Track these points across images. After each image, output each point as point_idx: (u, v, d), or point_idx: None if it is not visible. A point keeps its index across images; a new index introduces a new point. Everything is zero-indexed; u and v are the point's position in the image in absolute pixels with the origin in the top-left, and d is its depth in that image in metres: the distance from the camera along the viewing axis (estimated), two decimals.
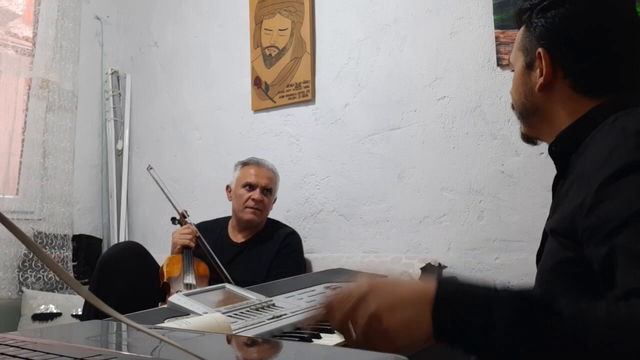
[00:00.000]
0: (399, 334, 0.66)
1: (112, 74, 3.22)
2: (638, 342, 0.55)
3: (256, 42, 2.65)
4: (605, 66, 0.86)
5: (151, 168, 2.26)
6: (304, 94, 2.46)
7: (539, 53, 0.89)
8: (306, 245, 2.34)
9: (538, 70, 0.89)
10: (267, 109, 2.60)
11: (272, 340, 0.88)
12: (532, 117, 0.95)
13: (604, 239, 0.67)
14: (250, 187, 2.15)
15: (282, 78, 2.54)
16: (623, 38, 0.86)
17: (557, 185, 0.91)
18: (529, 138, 1.00)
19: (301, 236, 2.26)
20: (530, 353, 0.59)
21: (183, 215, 2.16)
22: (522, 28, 0.94)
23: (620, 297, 0.61)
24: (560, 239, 0.79)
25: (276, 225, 2.24)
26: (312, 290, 1.44)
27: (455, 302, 0.64)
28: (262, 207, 2.15)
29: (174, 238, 2.07)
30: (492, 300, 0.61)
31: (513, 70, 0.98)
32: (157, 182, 2.22)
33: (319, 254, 2.31)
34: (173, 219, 2.19)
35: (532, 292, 0.65)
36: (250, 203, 2.13)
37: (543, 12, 0.89)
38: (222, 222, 2.30)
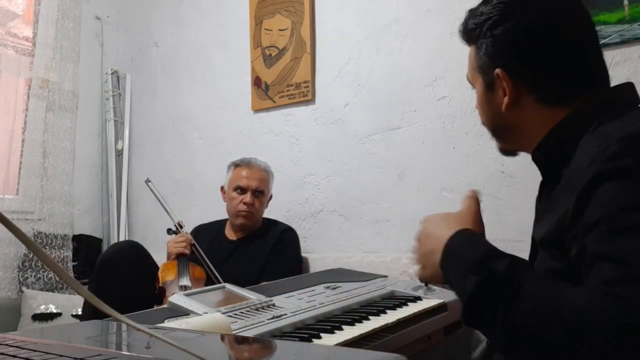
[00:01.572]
0: (422, 260, 0.87)
1: (112, 74, 3.22)
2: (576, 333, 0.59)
3: (256, 42, 2.65)
4: (566, 73, 0.83)
5: (149, 181, 2.26)
6: (304, 94, 2.46)
7: (497, 74, 0.86)
8: (306, 245, 2.34)
9: (500, 90, 0.87)
10: (267, 109, 2.60)
11: (271, 340, 0.88)
12: (507, 135, 0.93)
13: (576, 242, 0.69)
14: (242, 190, 2.14)
15: (282, 78, 2.54)
16: (575, 40, 0.83)
17: (543, 191, 0.90)
18: (508, 151, 0.98)
19: (301, 236, 2.26)
20: (493, 327, 0.67)
21: (180, 226, 2.17)
22: (473, 47, 0.92)
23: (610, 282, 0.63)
24: (549, 250, 0.78)
25: (273, 223, 2.24)
26: (312, 290, 1.45)
27: (451, 259, 0.78)
28: (253, 210, 2.15)
29: (169, 247, 2.07)
30: (473, 266, 0.71)
31: (473, 88, 0.96)
32: (155, 195, 2.23)
33: (319, 254, 2.31)
34: (169, 230, 2.20)
35: (510, 266, 0.69)
36: (242, 207, 2.13)
37: (490, 31, 0.87)
38: (220, 223, 2.31)
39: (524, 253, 1.85)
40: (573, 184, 0.72)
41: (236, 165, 2.22)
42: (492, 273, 0.68)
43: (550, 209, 0.80)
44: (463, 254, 0.75)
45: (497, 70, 0.86)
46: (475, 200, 0.95)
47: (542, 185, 0.91)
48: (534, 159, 0.90)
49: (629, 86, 0.85)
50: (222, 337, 0.69)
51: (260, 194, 2.17)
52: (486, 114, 0.94)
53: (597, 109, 0.80)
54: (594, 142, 0.73)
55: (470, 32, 0.91)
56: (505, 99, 0.86)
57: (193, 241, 2.07)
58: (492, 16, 0.86)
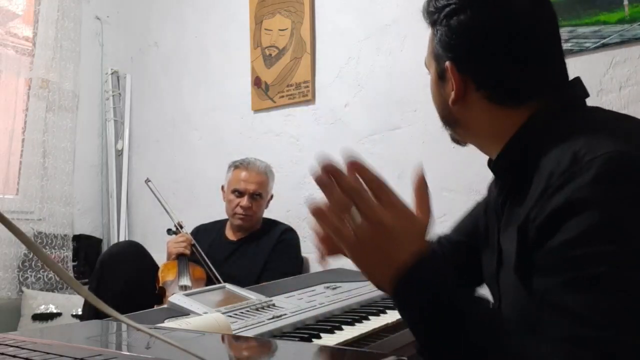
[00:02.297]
0: (370, 261, 0.69)
1: (112, 74, 3.22)
2: None
3: (256, 42, 2.65)
4: (519, 72, 0.78)
5: (149, 181, 2.26)
6: (304, 94, 2.46)
7: (447, 67, 0.82)
8: (306, 245, 2.34)
9: (450, 83, 0.82)
10: (267, 109, 2.60)
11: (271, 340, 0.88)
12: (454, 128, 0.90)
13: (537, 276, 0.66)
14: (239, 193, 2.14)
15: (282, 78, 2.54)
16: (533, 40, 0.79)
17: (504, 204, 0.83)
18: (458, 141, 0.94)
19: (301, 236, 2.25)
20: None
21: (180, 226, 2.17)
22: (431, 31, 0.86)
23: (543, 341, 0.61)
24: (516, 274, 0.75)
25: (273, 223, 2.24)
26: (312, 290, 1.44)
27: (410, 289, 0.66)
28: (250, 213, 2.14)
29: (169, 248, 2.07)
30: (429, 303, 0.65)
31: (429, 73, 0.92)
32: (155, 195, 2.22)
33: None
34: (169, 230, 2.20)
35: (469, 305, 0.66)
36: (239, 210, 2.13)
37: (446, 20, 0.81)
38: (221, 223, 2.31)
39: None
40: (537, 201, 0.68)
41: (236, 166, 2.22)
42: (448, 312, 0.64)
43: (513, 223, 0.76)
44: (421, 289, 0.66)
45: (447, 63, 0.81)
46: (426, 191, 0.84)
47: (503, 198, 0.84)
48: (494, 169, 0.85)
49: (578, 82, 0.81)
50: (222, 337, 0.69)
51: (259, 196, 2.16)
52: (436, 103, 0.91)
53: (557, 114, 0.76)
54: (562, 159, 0.68)
55: (429, 14, 0.85)
56: (452, 94, 0.82)
57: (193, 241, 2.07)
58: (450, 4, 0.81)
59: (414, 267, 0.65)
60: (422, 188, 0.82)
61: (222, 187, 2.27)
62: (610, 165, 0.63)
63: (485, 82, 0.80)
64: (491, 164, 0.86)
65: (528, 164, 0.75)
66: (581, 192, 0.63)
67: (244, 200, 2.12)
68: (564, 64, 0.81)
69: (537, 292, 0.66)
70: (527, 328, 0.66)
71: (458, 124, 0.87)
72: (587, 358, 0.56)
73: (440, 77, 0.86)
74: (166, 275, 1.92)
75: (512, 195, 0.81)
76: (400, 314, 0.69)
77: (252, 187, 2.14)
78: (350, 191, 0.66)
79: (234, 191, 2.14)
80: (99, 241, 3.09)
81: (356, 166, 0.67)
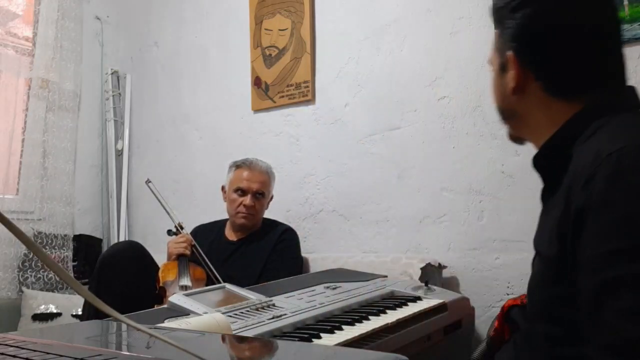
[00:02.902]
0: None
1: (112, 74, 3.22)
2: None
3: (256, 42, 2.65)
4: (575, 67, 0.83)
5: (149, 182, 2.26)
6: (304, 94, 2.46)
7: (508, 57, 0.86)
8: (306, 245, 2.34)
9: (511, 73, 0.87)
10: (267, 109, 2.60)
11: (271, 340, 0.88)
12: (511, 119, 0.94)
13: (591, 275, 0.67)
14: (242, 192, 2.14)
15: (282, 78, 2.54)
16: (594, 36, 0.83)
17: (544, 199, 0.88)
18: (516, 138, 0.98)
19: (301, 236, 2.25)
20: None
21: (180, 227, 2.17)
22: (497, 29, 0.92)
23: (600, 348, 0.63)
24: (547, 269, 0.78)
25: (273, 223, 2.24)
26: (312, 290, 1.45)
27: None
28: (254, 211, 2.14)
29: (169, 248, 2.07)
30: None
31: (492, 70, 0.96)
32: (155, 196, 2.22)
33: (319, 254, 2.31)
34: (169, 231, 2.20)
35: None
36: (242, 209, 2.12)
37: (512, 13, 0.86)
38: (220, 223, 2.30)
39: (524, 253, 1.86)
40: (567, 198, 0.71)
41: (237, 166, 2.21)
42: None
43: (547, 220, 0.80)
44: None
45: (509, 53, 0.86)
46: None
47: (543, 193, 0.89)
48: (535, 165, 0.90)
49: (631, 89, 0.84)
50: (222, 337, 0.69)
51: (261, 196, 2.16)
52: (496, 96, 0.95)
53: (597, 112, 0.79)
54: (586, 156, 0.71)
55: (496, 12, 0.91)
56: (512, 83, 0.86)
57: (193, 242, 2.07)
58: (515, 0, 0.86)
59: None
60: None
61: (223, 188, 2.27)
62: (624, 160, 0.66)
63: (544, 73, 0.84)
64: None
65: (563, 160, 0.79)
66: (598, 190, 0.66)
67: (248, 199, 2.12)
68: (622, 64, 0.85)
69: (587, 287, 0.67)
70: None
71: (515, 115, 0.91)
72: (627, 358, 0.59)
73: (501, 69, 0.90)
74: (166, 275, 1.92)
75: (549, 189, 0.86)
76: None
77: (255, 185, 2.14)
78: None
79: (236, 190, 2.14)
80: (99, 241, 3.09)
81: None
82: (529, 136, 0.93)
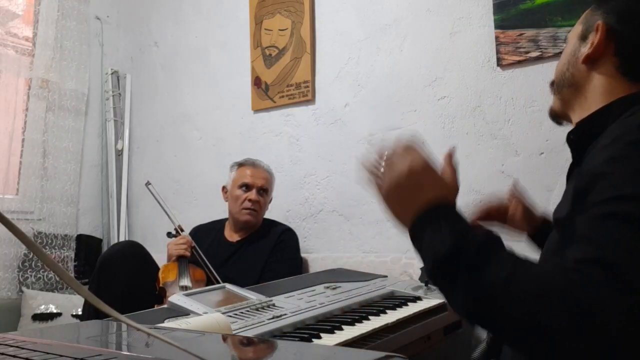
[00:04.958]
0: (393, 201, 0.81)
1: (112, 74, 3.22)
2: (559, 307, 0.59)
3: (256, 42, 2.66)
4: None
5: (149, 184, 2.26)
6: (304, 94, 2.46)
7: (598, 25, 0.88)
8: (306, 245, 2.34)
9: (590, 43, 0.89)
10: (267, 109, 2.60)
11: (271, 340, 0.88)
12: (566, 88, 0.94)
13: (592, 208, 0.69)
14: (247, 187, 2.15)
15: (282, 78, 2.54)
16: None
17: (571, 174, 0.91)
18: (556, 114, 0.99)
19: (301, 236, 2.25)
20: (455, 290, 0.68)
21: (180, 229, 2.17)
22: (593, 5, 0.94)
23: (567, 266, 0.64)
24: (558, 225, 0.81)
25: (272, 223, 2.24)
26: (312, 290, 1.45)
27: (434, 220, 0.75)
28: (258, 207, 2.15)
29: (169, 249, 2.07)
30: (454, 232, 0.71)
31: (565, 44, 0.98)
32: (155, 198, 2.22)
33: (319, 254, 2.31)
34: (169, 234, 2.20)
35: (486, 236, 0.71)
36: (247, 204, 2.13)
37: None
38: (219, 223, 2.30)
39: (525, 253, 1.84)
40: (587, 163, 0.74)
41: (240, 164, 2.23)
42: (469, 241, 0.69)
43: (568, 190, 0.82)
44: (447, 221, 0.74)
45: (600, 21, 0.88)
46: (452, 160, 1.01)
47: (570, 169, 0.92)
48: (568, 140, 0.91)
49: None
50: (222, 337, 0.69)
51: (265, 192, 2.18)
52: (562, 63, 0.95)
53: None
54: (617, 128, 0.74)
55: None
56: (590, 50, 0.88)
57: (193, 243, 2.07)
58: None
59: (428, 207, 0.75)
60: (449, 158, 1.00)
61: (224, 188, 2.27)
62: None
63: (625, 48, 0.86)
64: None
65: (592, 137, 0.81)
66: (626, 148, 0.68)
67: (253, 194, 2.14)
68: None
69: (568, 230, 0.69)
70: None
71: (573, 84, 0.92)
72: (592, 274, 0.59)
73: (581, 37, 0.91)
74: (166, 276, 1.92)
75: (576, 164, 0.88)
76: (413, 242, 0.77)
77: (259, 181, 2.16)
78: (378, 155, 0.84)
79: (241, 186, 2.16)
80: (99, 241, 3.09)
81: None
82: (577, 109, 0.93)
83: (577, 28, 0.94)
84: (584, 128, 0.87)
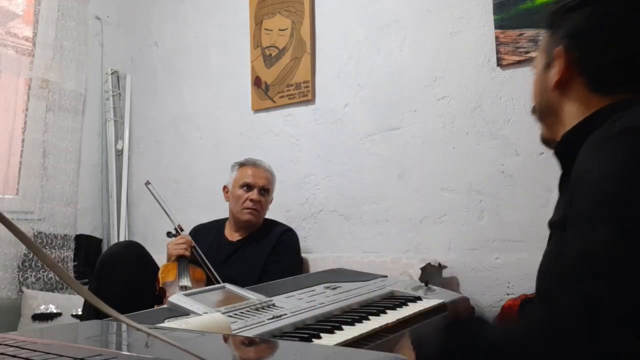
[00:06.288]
0: None
1: (112, 74, 3.22)
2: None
3: (256, 42, 2.65)
4: (620, 64, 0.86)
5: (149, 183, 2.26)
6: (304, 94, 2.46)
7: (558, 51, 0.90)
8: (306, 245, 2.34)
9: (555, 69, 0.90)
10: (267, 109, 2.60)
11: (271, 340, 0.88)
12: (547, 117, 0.96)
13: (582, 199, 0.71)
14: (248, 187, 2.16)
15: (282, 78, 2.54)
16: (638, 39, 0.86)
17: (562, 184, 0.92)
18: (547, 141, 1.00)
19: (301, 236, 2.25)
20: None
21: (180, 229, 2.17)
22: (548, 32, 0.95)
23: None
24: (554, 230, 0.83)
25: (273, 223, 2.24)
26: (312, 290, 1.44)
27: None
28: (259, 207, 2.16)
29: (169, 249, 2.06)
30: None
31: (534, 72, 1.00)
32: (155, 197, 2.22)
33: (319, 254, 2.31)
34: (168, 233, 2.20)
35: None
36: (249, 204, 2.13)
37: (569, 12, 0.90)
38: (219, 223, 2.30)
39: (524, 253, 1.86)
40: (576, 171, 0.76)
41: (241, 164, 2.23)
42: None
43: (560, 200, 0.84)
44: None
45: (558, 48, 0.89)
46: None
47: (561, 180, 0.93)
48: (555, 153, 0.93)
49: None
50: (222, 337, 0.69)
51: (266, 192, 2.18)
52: (535, 94, 0.98)
53: (624, 104, 0.82)
54: (599, 134, 0.75)
55: (551, 14, 0.95)
56: (556, 77, 0.90)
57: (193, 243, 2.07)
58: (574, 0, 0.90)
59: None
60: None
61: (224, 188, 2.27)
62: (636, 134, 0.70)
63: (589, 68, 0.88)
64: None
65: (581, 146, 0.82)
66: (600, 154, 0.71)
67: (254, 194, 2.14)
68: None
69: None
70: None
71: (552, 111, 0.94)
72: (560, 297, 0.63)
73: (546, 66, 0.93)
74: (166, 276, 1.92)
75: (566, 175, 0.89)
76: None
77: (261, 181, 2.17)
78: None
79: (243, 185, 2.16)
80: (99, 241, 3.09)
81: None
82: (559, 132, 0.95)
83: (541, 57, 0.96)
84: (568, 141, 0.88)
